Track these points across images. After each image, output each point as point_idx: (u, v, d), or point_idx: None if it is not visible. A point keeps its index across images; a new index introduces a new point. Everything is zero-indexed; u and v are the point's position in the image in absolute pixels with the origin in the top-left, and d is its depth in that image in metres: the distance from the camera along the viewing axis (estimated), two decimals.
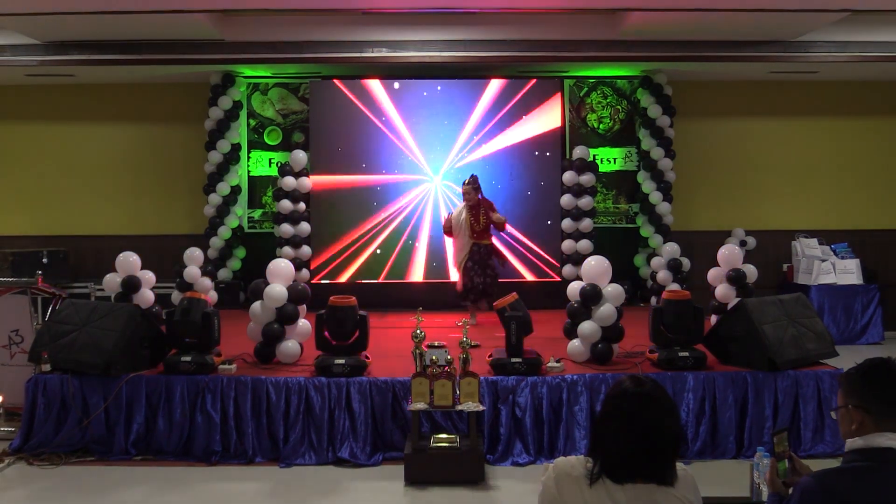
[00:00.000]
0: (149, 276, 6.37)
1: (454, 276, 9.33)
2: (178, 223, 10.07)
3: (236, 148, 9.76)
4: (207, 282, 7.33)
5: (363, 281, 9.53)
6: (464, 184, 8.16)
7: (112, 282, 6.25)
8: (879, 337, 9.23)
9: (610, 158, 10.10)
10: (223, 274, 9.59)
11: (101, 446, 5.29)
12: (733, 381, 5.40)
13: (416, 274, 9.61)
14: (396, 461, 5.07)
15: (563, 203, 9.50)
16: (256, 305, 5.85)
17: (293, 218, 9.29)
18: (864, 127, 10.33)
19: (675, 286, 8.82)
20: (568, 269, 9.45)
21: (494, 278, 8.07)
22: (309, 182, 9.43)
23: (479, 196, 8.12)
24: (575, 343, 5.77)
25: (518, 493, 4.68)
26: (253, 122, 10.06)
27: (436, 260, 9.60)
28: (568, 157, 9.74)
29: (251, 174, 10.06)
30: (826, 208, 10.29)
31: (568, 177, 9.46)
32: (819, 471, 2.17)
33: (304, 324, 5.93)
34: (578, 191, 9.41)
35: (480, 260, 7.98)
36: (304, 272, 9.28)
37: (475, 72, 9.64)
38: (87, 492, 4.71)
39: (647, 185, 9.62)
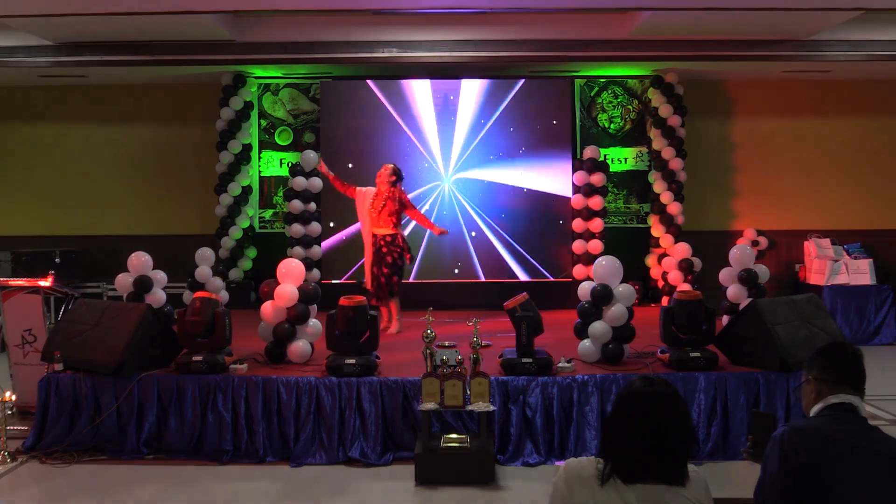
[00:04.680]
0: (160, 276, 6.40)
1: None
2: (190, 223, 10.12)
3: (247, 148, 9.81)
4: (219, 282, 7.36)
5: None
6: (385, 167, 7.53)
7: (124, 281, 6.28)
8: (893, 338, 9.17)
9: (621, 158, 10.08)
10: (234, 274, 9.63)
11: (113, 445, 5.32)
12: (745, 382, 5.37)
13: (426, 274, 9.61)
14: (407, 461, 5.07)
15: (574, 203, 9.49)
16: (267, 305, 5.87)
17: (304, 218, 9.32)
18: (877, 126, 10.27)
19: (686, 286, 8.81)
20: (579, 269, 9.44)
21: (392, 272, 7.39)
22: (320, 182, 9.46)
23: (394, 186, 7.45)
24: (586, 343, 5.76)
25: (528, 493, 4.67)
26: (264, 123, 10.10)
27: (446, 259, 9.61)
28: (579, 156, 9.73)
29: (262, 174, 10.11)
30: (839, 208, 10.23)
31: (579, 177, 9.45)
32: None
33: (314, 324, 5.94)
34: (589, 191, 9.40)
35: (378, 251, 7.40)
36: (315, 272, 9.30)
37: (485, 72, 9.64)
38: (98, 490, 4.73)
39: (658, 184, 9.59)
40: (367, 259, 7.52)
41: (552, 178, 9.68)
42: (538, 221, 9.66)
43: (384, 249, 7.38)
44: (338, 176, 7.86)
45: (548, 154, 9.69)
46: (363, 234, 7.67)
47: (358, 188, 7.65)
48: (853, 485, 2.26)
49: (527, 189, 9.67)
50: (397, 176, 7.50)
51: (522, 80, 9.67)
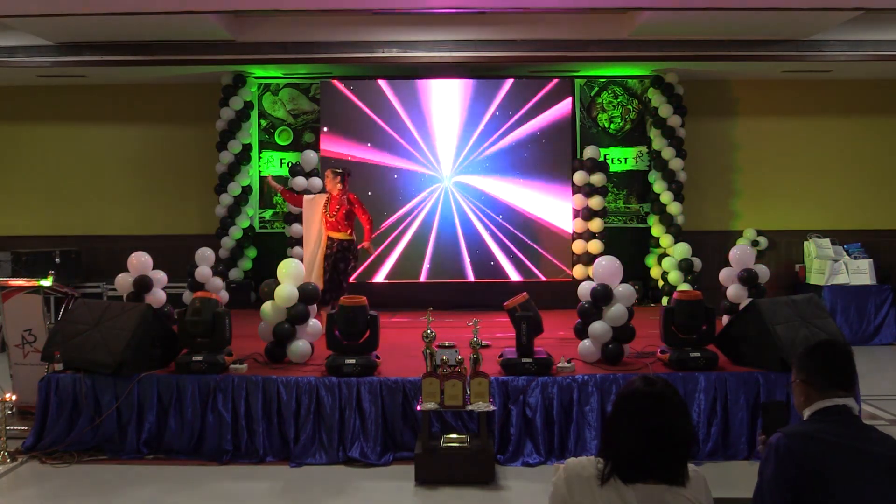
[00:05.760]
0: (160, 276, 6.40)
1: (469, 275, 9.38)
2: (190, 223, 10.12)
3: (247, 148, 9.81)
4: (218, 282, 7.36)
5: (373, 281, 9.53)
6: (329, 171, 7.51)
7: (124, 282, 6.28)
8: (893, 338, 9.17)
9: (621, 158, 10.08)
10: (234, 274, 9.63)
11: (113, 445, 5.32)
12: (745, 382, 5.37)
13: (427, 274, 9.61)
14: (407, 461, 5.06)
15: (574, 203, 9.49)
16: (267, 305, 5.87)
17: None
18: (877, 126, 10.27)
19: (686, 286, 8.82)
20: (579, 270, 9.44)
21: (346, 276, 7.43)
22: (320, 182, 9.45)
23: (343, 187, 7.43)
24: (586, 343, 5.75)
25: (528, 493, 4.67)
26: (264, 123, 10.10)
27: (446, 260, 9.61)
28: (579, 156, 9.73)
29: (262, 174, 10.10)
30: (839, 208, 10.23)
31: (579, 177, 9.45)
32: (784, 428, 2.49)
33: (314, 324, 5.94)
34: (589, 191, 9.40)
35: (332, 255, 7.37)
36: None
37: (486, 72, 9.64)
38: (98, 490, 4.73)
39: (658, 184, 9.59)
40: (318, 263, 7.40)
41: (552, 177, 9.67)
42: (538, 221, 9.66)
43: (341, 254, 7.38)
44: (287, 189, 7.89)
45: (547, 154, 9.68)
46: (308, 240, 7.55)
47: (305, 196, 7.70)
48: (851, 487, 2.25)
49: (526, 189, 9.67)
50: (343, 176, 7.48)
51: (522, 80, 9.67)
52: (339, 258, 7.36)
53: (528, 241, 9.64)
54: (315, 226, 7.52)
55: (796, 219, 10.19)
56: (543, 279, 9.60)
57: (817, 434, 2.35)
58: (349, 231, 7.43)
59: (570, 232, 9.59)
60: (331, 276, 7.33)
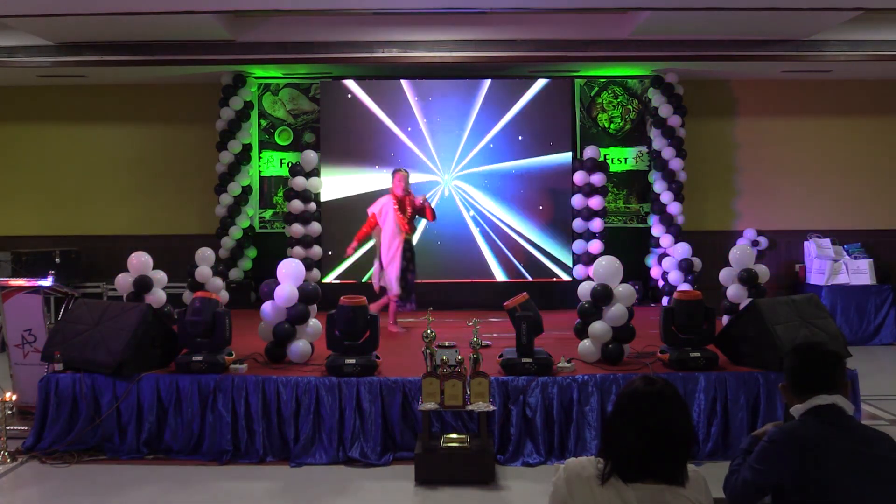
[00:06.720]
0: (160, 276, 6.41)
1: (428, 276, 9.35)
2: (190, 223, 10.13)
3: (247, 148, 9.81)
4: (219, 281, 7.37)
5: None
6: (402, 171, 7.71)
7: (124, 281, 6.29)
8: (893, 338, 9.17)
9: (621, 158, 10.08)
10: (234, 274, 9.63)
11: (113, 445, 5.32)
12: (745, 382, 5.37)
13: (427, 274, 9.59)
14: (407, 461, 5.07)
15: (574, 203, 9.48)
16: (267, 305, 5.87)
17: (304, 218, 9.32)
18: (877, 126, 10.27)
19: (686, 286, 8.82)
20: (579, 270, 9.43)
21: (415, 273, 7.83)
22: (320, 182, 9.46)
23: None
24: (586, 343, 5.75)
25: (529, 493, 4.67)
26: (264, 123, 10.10)
27: (446, 260, 9.61)
28: (579, 156, 9.73)
29: (262, 174, 10.11)
30: (839, 208, 10.23)
31: (579, 177, 9.44)
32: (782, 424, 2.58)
33: (314, 324, 5.94)
34: (589, 191, 9.39)
35: (409, 256, 7.66)
36: (315, 272, 9.30)
37: (486, 71, 9.64)
38: (98, 490, 4.73)
39: (658, 184, 9.59)
40: (396, 265, 7.55)
41: (552, 178, 9.68)
42: (538, 221, 9.66)
43: (408, 254, 7.68)
44: (358, 237, 7.80)
45: (547, 154, 9.69)
46: (385, 242, 7.60)
47: (372, 212, 7.70)
48: (840, 487, 2.27)
49: (526, 189, 9.67)
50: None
51: (522, 80, 9.67)
52: (410, 258, 7.69)
53: (528, 241, 9.64)
54: (387, 232, 7.59)
55: (796, 219, 10.19)
56: (543, 279, 9.60)
57: (808, 433, 2.38)
58: (412, 230, 7.80)
59: (570, 232, 9.58)
60: (412, 279, 7.68)
